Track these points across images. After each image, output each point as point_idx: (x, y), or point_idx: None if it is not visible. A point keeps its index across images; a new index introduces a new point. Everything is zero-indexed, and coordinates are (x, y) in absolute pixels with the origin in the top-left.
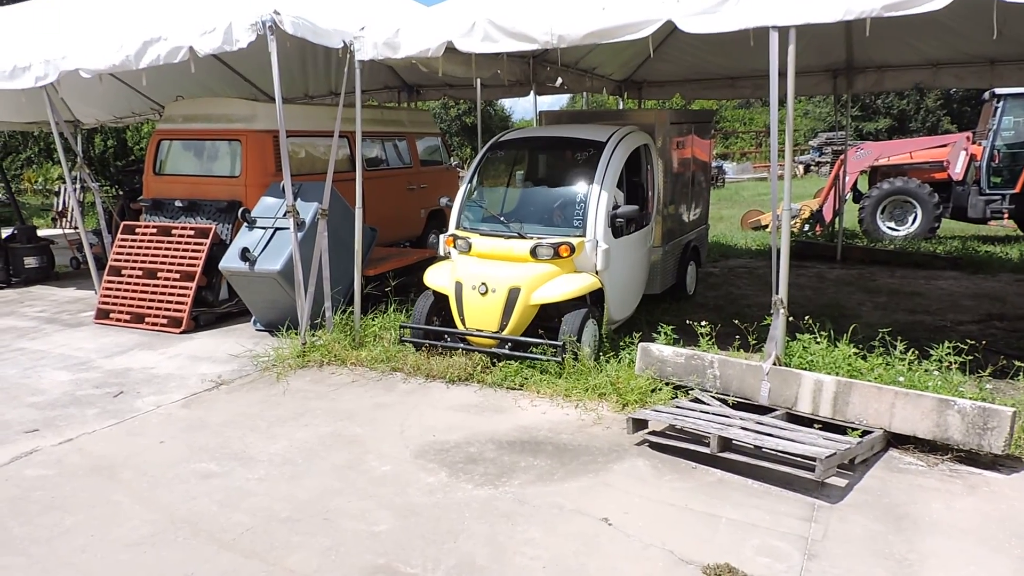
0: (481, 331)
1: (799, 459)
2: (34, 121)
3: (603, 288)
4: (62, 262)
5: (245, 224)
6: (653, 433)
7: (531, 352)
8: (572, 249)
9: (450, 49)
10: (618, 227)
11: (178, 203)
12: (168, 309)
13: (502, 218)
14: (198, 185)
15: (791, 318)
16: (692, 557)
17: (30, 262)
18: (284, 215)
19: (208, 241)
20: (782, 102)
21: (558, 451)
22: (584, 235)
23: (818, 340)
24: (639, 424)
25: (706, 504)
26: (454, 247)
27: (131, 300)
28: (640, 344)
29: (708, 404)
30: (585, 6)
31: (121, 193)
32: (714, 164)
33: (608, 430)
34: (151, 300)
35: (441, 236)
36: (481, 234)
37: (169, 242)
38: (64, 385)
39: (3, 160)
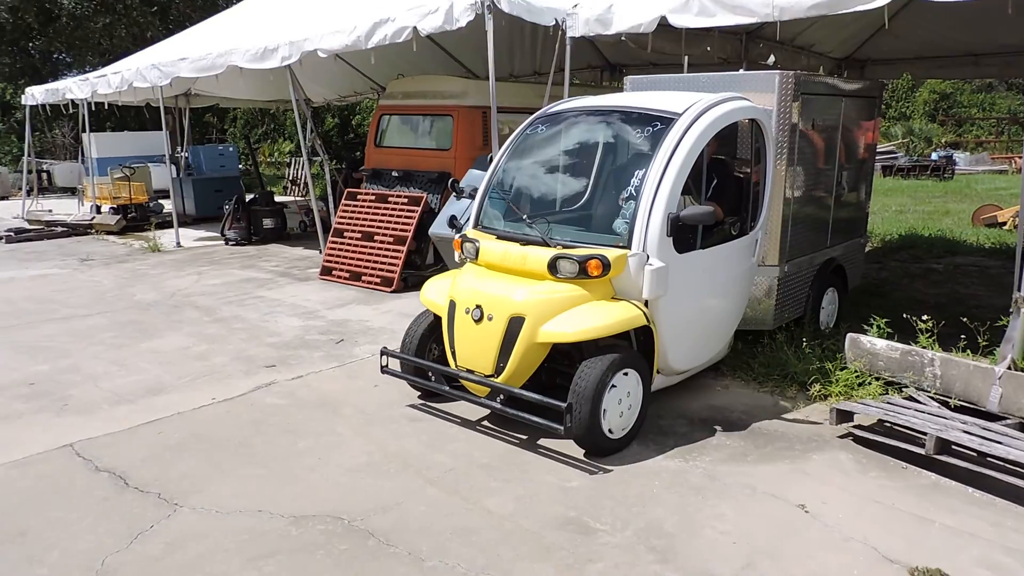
0: (472, 372)
1: None
2: (273, 100)
3: (651, 325)
4: (291, 224)
5: (453, 194)
6: (859, 427)
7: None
8: (606, 266)
9: (662, 25)
10: (688, 238)
11: (394, 173)
12: (382, 269)
13: (525, 217)
14: (412, 157)
15: None
16: (898, 557)
17: (267, 223)
18: None
19: (419, 209)
20: None
21: (751, 434)
22: (628, 246)
23: None
24: (844, 416)
25: (916, 506)
26: (461, 251)
27: (350, 260)
28: (848, 335)
29: (924, 404)
30: None
31: (342, 166)
32: (942, 153)
33: (807, 419)
34: (367, 260)
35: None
36: (497, 236)
37: (385, 208)
38: (295, 330)
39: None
